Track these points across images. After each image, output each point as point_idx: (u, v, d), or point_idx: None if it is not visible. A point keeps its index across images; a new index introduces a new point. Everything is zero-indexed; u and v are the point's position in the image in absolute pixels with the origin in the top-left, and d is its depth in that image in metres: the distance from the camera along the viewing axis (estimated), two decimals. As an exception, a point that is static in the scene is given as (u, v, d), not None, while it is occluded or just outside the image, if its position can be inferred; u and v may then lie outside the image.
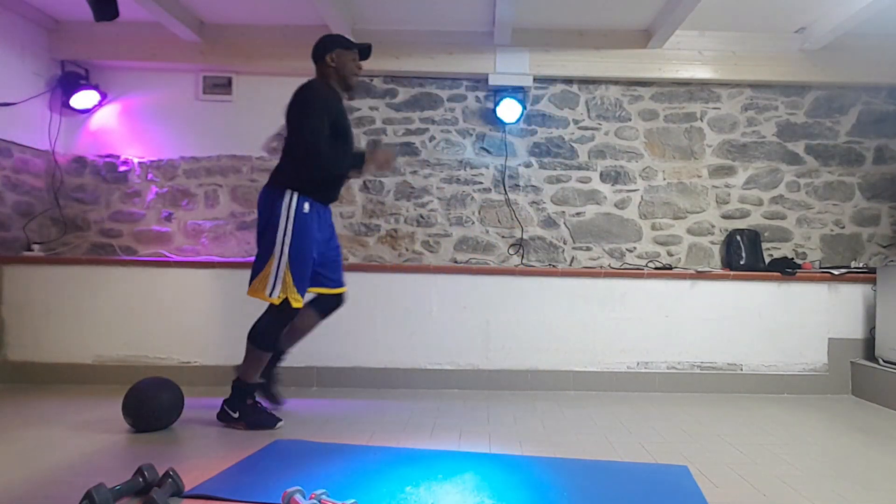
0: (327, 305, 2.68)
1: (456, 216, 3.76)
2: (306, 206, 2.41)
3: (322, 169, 2.41)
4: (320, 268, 2.54)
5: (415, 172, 3.76)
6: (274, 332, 2.45)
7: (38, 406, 2.72)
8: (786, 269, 3.38)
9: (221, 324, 3.27)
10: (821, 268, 3.57)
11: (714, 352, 3.31)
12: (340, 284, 2.67)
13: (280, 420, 2.44)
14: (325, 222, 2.58)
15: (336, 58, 2.50)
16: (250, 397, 2.46)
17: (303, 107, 2.39)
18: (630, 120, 3.80)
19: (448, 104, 3.79)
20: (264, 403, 2.60)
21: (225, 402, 2.46)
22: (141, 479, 1.68)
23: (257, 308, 3.26)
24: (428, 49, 3.63)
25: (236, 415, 2.41)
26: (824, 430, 2.57)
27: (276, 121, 3.76)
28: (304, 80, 3.73)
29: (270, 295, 2.38)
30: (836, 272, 3.34)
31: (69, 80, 3.62)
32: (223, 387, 3.15)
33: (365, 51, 2.59)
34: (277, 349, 2.66)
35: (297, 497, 1.56)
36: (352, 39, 2.59)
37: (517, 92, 3.66)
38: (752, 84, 3.77)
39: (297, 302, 2.42)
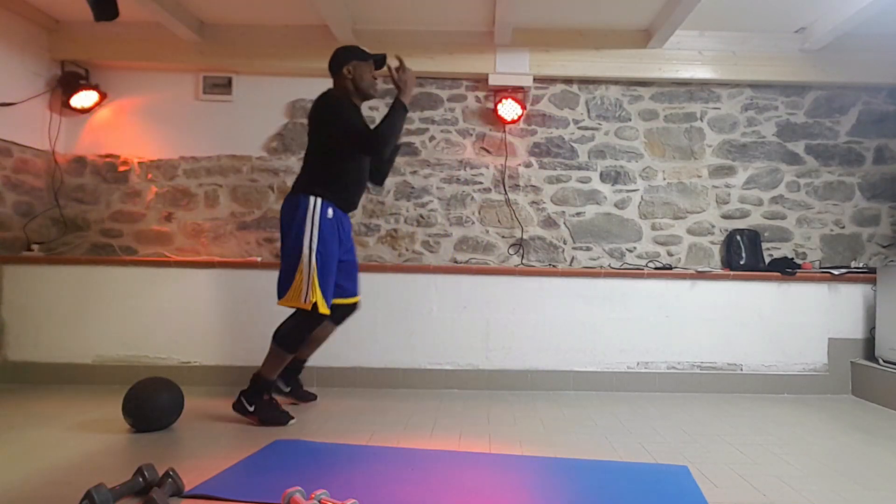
0: (341, 314, 2.72)
1: (456, 216, 3.76)
2: (330, 212, 2.46)
3: (386, 147, 2.43)
4: (338, 277, 2.56)
5: (415, 172, 3.76)
6: (298, 336, 2.46)
7: (38, 406, 2.72)
8: (786, 269, 3.38)
9: (221, 324, 3.27)
10: (821, 268, 3.57)
11: (714, 352, 3.31)
12: (355, 294, 2.70)
13: (293, 418, 2.47)
14: (345, 230, 2.61)
15: (353, 70, 2.54)
16: (267, 393, 2.49)
17: (332, 111, 2.43)
18: (630, 120, 3.80)
19: (448, 104, 3.79)
20: (292, 398, 2.78)
21: (242, 392, 2.48)
22: (141, 479, 1.68)
23: (257, 308, 3.27)
24: (428, 49, 3.63)
25: (252, 408, 2.44)
26: (824, 430, 2.57)
27: (276, 121, 3.78)
28: (303, 80, 3.79)
29: (305, 301, 2.40)
30: (836, 272, 3.34)
31: (69, 80, 3.62)
32: (223, 387, 3.18)
33: (380, 61, 2.63)
34: (297, 358, 2.73)
35: (297, 497, 1.56)
36: (366, 50, 2.61)
37: (517, 92, 3.66)
38: (752, 84, 3.77)
39: (325, 308, 2.43)
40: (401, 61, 2.50)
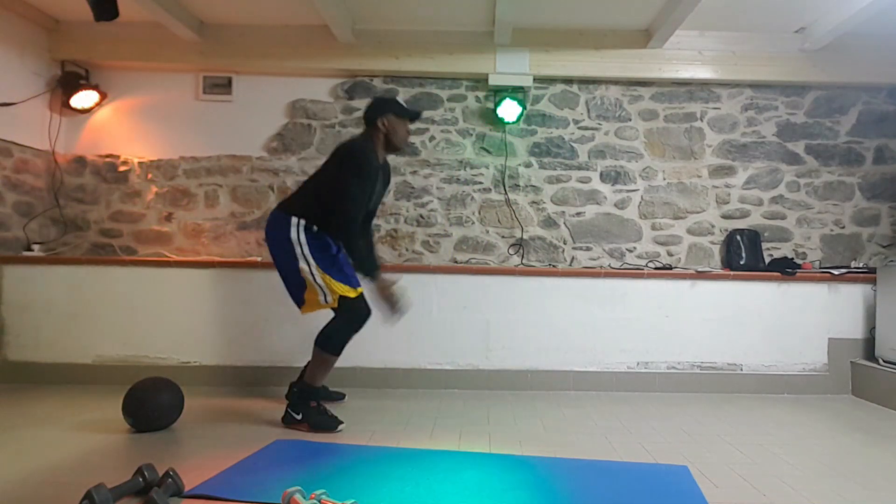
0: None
1: (456, 216, 3.75)
2: (314, 227, 2.49)
3: (342, 239, 2.48)
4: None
5: (415, 172, 3.76)
6: (343, 336, 2.47)
7: (38, 406, 2.72)
8: (786, 269, 3.38)
9: (221, 324, 3.27)
10: (821, 268, 3.57)
11: (714, 352, 3.31)
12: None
13: (342, 423, 2.43)
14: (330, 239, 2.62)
15: (388, 123, 2.55)
16: (314, 400, 2.47)
17: (356, 172, 2.41)
18: (630, 120, 3.80)
19: (448, 104, 3.79)
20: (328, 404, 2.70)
21: (289, 406, 2.46)
22: (141, 479, 1.68)
23: (257, 308, 3.28)
24: (428, 49, 3.63)
25: (299, 416, 2.43)
26: (824, 430, 2.57)
27: (276, 121, 3.78)
28: (303, 80, 3.80)
29: (325, 301, 2.44)
30: (836, 272, 3.33)
31: (69, 80, 3.62)
32: (223, 387, 3.18)
33: (415, 116, 2.67)
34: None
35: (297, 497, 1.56)
36: (403, 104, 2.64)
37: (517, 92, 3.66)
38: (752, 84, 3.77)
39: (354, 292, 2.47)
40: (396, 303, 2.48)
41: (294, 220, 2.47)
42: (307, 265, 2.43)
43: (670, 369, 3.30)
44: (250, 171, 3.77)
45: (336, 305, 2.44)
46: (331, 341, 2.45)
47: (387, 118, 2.54)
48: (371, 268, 2.45)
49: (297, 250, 2.44)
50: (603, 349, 3.29)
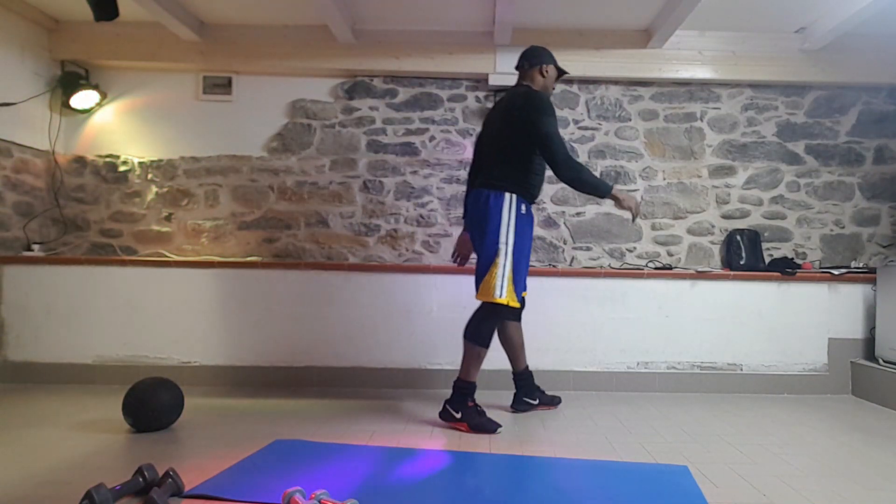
0: (521, 309, 2.70)
1: (456, 216, 3.75)
2: (523, 208, 2.49)
3: (571, 177, 2.43)
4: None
5: (415, 172, 3.76)
6: (491, 326, 2.49)
7: (38, 406, 2.72)
8: (786, 269, 3.38)
9: (221, 324, 3.27)
10: (821, 268, 3.57)
11: (714, 352, 3.31)
12: (525, 287, 2.69)
13: (500, 426, 2.45)
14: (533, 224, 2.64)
15: (549, 72, 2.65)
16: (471, 398, 2.49)
17: (545, 114, 2.43)
18: (630, 120, 3.80)
19: (448, 104, 3.79)
20: (544, 407, 2.82)
21: (447, 402, 2.50)
22: (141, 479, 1.68)
23: (257, 308, 3.28)
24: (428, 49, 3.63)
25: (459, 415, 2.45)
26: (824, 430, 2.57)
27: (276, 121, 3.78)
28: (303, 80, 3.79)
29: (499, 296, 2.41)
30: (836, 272, 3.34)
31: (69, 80, 3.62)
32: (223, 387, 3.18)
33: (562, 75, 2.75)
34: (521, 370, 2.78)
35: (297, 497, 1.56)
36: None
37: (517, 92, 3.66)
38: (752, 84, 3.77)
39: (515, 302, 2.46)
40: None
41: (507, 196, 2.45)
42: (504, 259, 2.41)
43: (670, 369, 3.30)
44: (250, 171, 3.77)
45: (505, 303, 2.42)
46: (480, 334, 2.47)
47: (549, 68, 2.64)
48: (606, 188, 2.45)
49: (502, 234, 2.42)
50: (603, 349, 3.29)
